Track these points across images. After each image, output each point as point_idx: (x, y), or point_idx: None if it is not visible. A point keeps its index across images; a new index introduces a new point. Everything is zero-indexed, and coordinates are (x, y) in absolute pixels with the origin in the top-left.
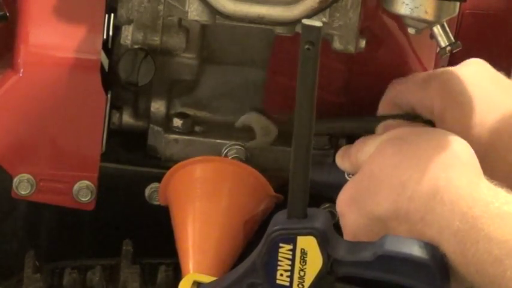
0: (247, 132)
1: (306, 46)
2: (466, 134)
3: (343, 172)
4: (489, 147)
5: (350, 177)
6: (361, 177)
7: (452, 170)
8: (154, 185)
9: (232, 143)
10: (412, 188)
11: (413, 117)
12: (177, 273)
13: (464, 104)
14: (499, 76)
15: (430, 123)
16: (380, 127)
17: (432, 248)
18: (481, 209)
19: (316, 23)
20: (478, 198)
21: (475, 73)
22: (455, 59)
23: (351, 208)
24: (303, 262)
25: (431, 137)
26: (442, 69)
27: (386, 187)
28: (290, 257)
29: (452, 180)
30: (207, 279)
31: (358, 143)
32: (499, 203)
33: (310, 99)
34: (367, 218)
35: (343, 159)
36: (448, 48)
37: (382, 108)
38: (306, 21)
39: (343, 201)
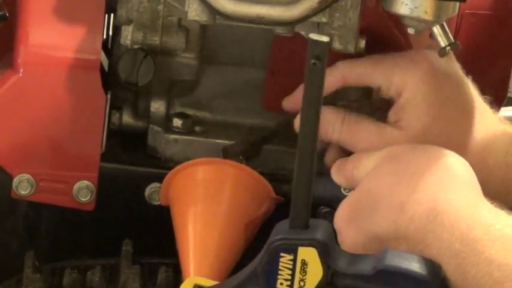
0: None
1: (313, 61)
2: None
3: (339, 185)
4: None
5: (346, 192)
6: (358, 195)
7: (452, 191)
8: (154, 185)
9: (232, 143)
10: (412, 209)
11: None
12: (177, 274)
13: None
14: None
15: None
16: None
17: (432, 265)
18: (481, 231)
19: (323, 37)
20: (478, 220)
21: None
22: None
23: (349, 226)
24: (303, 272)
25: (428, 155)
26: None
27: (385, 207)
28: (290, 266)
29: (452, 201)
30: (207, 283)
31: (354, 158)
32: (499, 225)
33: (315, 113)
34: (366, 236)
35: (338, 174)
36: (448, 48)
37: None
38: (313, 36)
39: (341, 219)
